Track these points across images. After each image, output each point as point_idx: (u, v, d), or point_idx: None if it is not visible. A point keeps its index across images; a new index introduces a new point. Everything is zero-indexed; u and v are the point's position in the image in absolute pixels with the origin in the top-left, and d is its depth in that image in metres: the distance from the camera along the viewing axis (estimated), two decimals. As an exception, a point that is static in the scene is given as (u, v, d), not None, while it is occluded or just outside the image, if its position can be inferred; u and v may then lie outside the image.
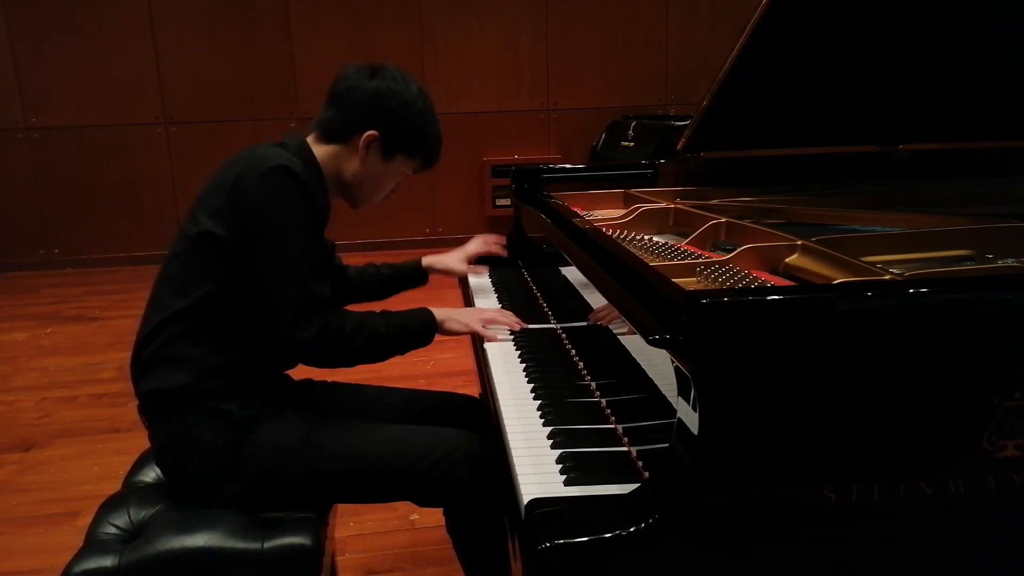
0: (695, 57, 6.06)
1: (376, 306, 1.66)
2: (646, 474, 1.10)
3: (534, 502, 0.99)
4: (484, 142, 6.00)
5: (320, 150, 1.56)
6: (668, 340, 0.98)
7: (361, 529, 2.32)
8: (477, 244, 2.14)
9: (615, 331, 1.40)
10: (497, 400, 1.41)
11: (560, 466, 1.14)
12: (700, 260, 1.42)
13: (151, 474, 1.58)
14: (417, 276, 1.98)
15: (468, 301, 2.04)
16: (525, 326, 1.70)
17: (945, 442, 0.96)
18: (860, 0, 1.70)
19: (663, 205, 1.89)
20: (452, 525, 1.55)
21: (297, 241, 1.40)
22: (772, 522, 0.95)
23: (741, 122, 1.94)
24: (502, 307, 1.95)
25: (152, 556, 1.33)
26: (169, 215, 5.71)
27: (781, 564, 0.97)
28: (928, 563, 1.01)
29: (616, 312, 1.32)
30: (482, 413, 1.70)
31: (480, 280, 2.15)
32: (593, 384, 1.44)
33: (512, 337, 1.67)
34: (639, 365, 1.25)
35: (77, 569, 1.31)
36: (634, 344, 1.29)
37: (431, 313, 1.58)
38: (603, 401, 1.36)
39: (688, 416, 0.95)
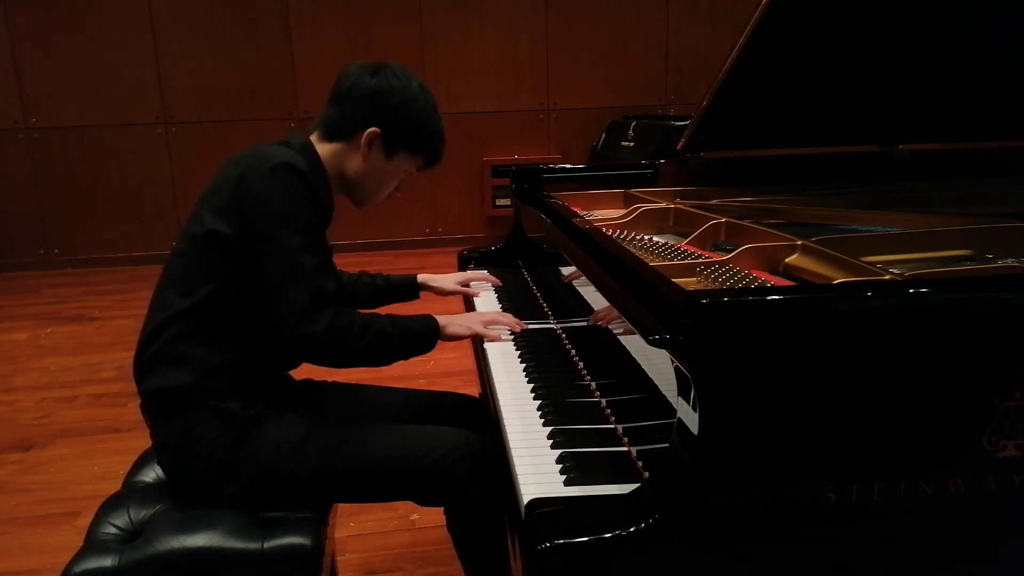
0: (695, 57, 6.06)
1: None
2: (646, 474, 1.10)
3: (534, 502, 0.99)
4: (484, 142, 6.00)
5: (323, 148, 1.56)
6: (668, 340, 0.98)
7: (361, 529, 2.32)
8: (473, 274, 2.14)
9: (615, 331, 1.40)
10: (497, 400, 1.41)
11: (560, 466, 1.14)
12: (700, 260, 1.42)
13: (151, 474, 1.58)
14: (410, 290, 1.98)
15: (469, 303, 2.05)
16: (526, 326, 1.70)
17: (945, 442, 0.96)
18: (860, 0, 1.70)
19: (663, 205, 1.89)
20: (453, 525, 1.55)
21: (303, 237, 1.40)
22: (772, 522, 0.95)
23: (741, 122, 1.94)
24: (502, 307, 1.96)
25: (152, 556, 1.33)
26: (169, 215, 5.71)
27: (781, 564, 0.97)
28: (928, 563, 1.01)
29: (615, 314, 1.32)
30: (482, 413, 1.70)
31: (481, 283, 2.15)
32: (593, 384, 1.44)
33: (512, 337, 1.67)
34: (639, 365, 1.25)
35: (77, 569, 1.31)
36: (634, 344, 1.29)
37: (434, 318, 1.58)
38: (603, 401, 1.36)
39: (688, 416, 0.95)
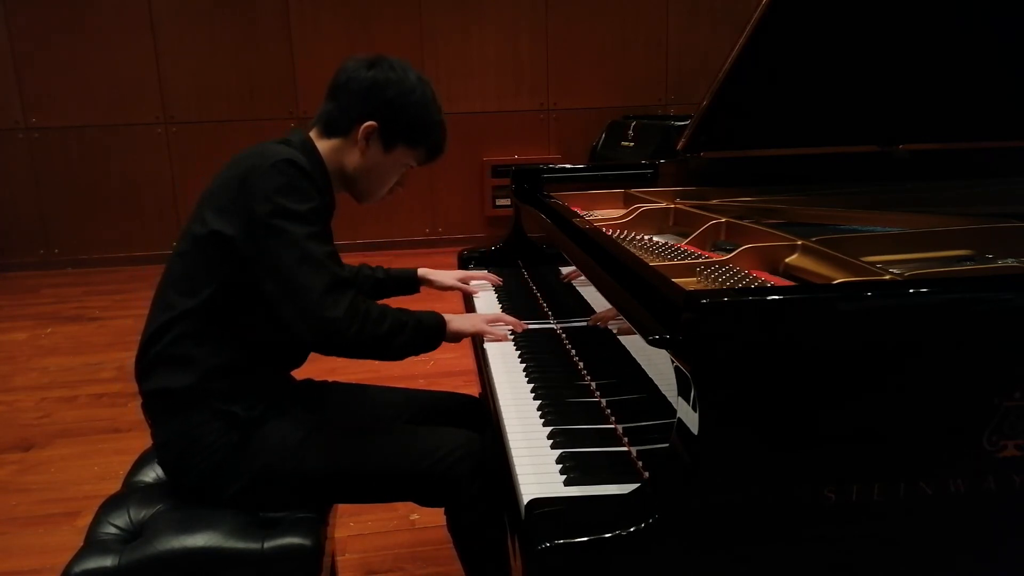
0: (695, 57, 6.06)
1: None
2: (646, 474, 1.10)
3: (534, 502, 0.99)
4: (484, 142, 6.00)
5: (322, 144, 1.55)
6: (668, 340, 0.98)
7: (361, 529, 2.32)
8: (473, 274, 2.14)
9: (614, 331, 1.40)
10: (497, 400, 1.41)
11: (560, 466, 1.14)
12: (700, 260, 1.42)
13: (151, 474, 1.58)
14: (409, 284, 1.97)
15: (468, 304, 2.05)
16: (526, 327, 1.70)
17: (945, 442, 0.96)
18: (860, 0, 1.70)
19: (663, 205, 1.89)
20: (453, 525, 1.55)
21: (311, 227, 1.38)
22: (772, 522, 0.95)
23: (741, 122, 1.94)
24: (502, 308, 1.96)
25: (152, 556, 1.33)
26: (169, 215, 5.71)
27: (781, 564, 0.97)
28: (928, 563, 1.01)
29: (614, 314, 1.32)
30: (482, 413, 1.70)
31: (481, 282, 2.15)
32: (593, 384, 1.44)
33: (512, 337, 1.67)
34: (639, 365, 1.25)
35: (77, 569, 1.31)
36: (634, 344, 1.29)
37: (440, 315, 1.57)
38: (603, 401, 1.36)
39: (688, 416, 0.95)
